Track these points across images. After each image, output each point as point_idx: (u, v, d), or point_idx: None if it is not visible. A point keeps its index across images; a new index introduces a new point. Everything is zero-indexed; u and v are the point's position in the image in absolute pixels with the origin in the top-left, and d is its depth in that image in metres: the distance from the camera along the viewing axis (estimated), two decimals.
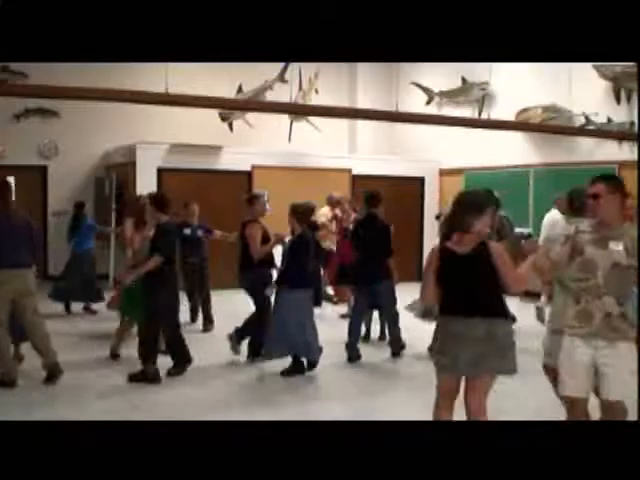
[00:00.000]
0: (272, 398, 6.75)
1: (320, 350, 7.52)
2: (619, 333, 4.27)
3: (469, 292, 4.38)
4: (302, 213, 7.50)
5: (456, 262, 4.37)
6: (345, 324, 8.82)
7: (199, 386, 7.09)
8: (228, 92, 12.36)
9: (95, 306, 10.63)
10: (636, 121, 11.69)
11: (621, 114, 11.94)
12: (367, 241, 8.31)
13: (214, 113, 13.51)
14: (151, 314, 7.13)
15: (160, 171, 12.94)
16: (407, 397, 6.67)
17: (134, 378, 7.01)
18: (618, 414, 4.32)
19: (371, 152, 16.15)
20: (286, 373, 7.39)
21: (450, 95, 15.20)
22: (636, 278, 4.25)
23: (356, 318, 8.42)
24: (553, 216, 8.77)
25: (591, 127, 12.21)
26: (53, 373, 6.88)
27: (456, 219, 4.39)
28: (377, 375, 7.71)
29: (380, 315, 9.02)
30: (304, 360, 7.48)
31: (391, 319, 8.45)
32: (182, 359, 7.39)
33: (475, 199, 4.46)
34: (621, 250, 4.26)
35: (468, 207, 4.36)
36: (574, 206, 5.92)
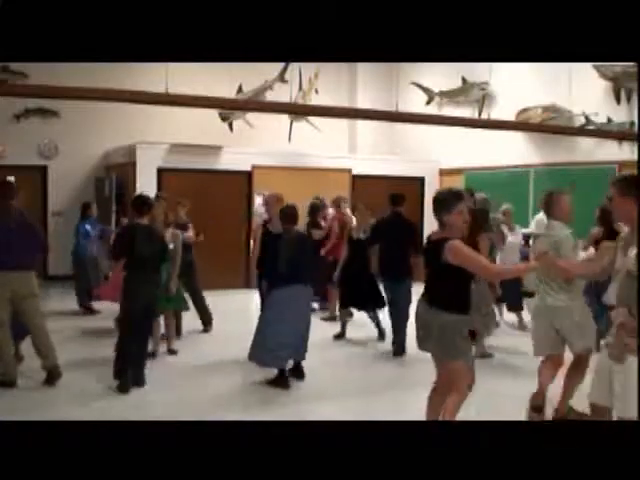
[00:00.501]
0: (272, 398, 6.76)
1: (292, 353, 7.19)
2: (628, 346, 4.02)
3: (426, 277, 5.02)
4: (286, 214, 7.32)
5: (425, 249, 5.04)
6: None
7: (199, 386, 7.09)
8: (228, 92, 12.36)
9: (97, 305, 10.63)
10: (636, 121, 11.70)
11: (621, 114, 11.95)
12: (393, 239, 8.36)
13: (214, 113, 13.52)
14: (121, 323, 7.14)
15: (160, 171, 12.95)
16: (408, 397, 6.67)
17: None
18: None
19: (371, 152, 16.15)
20: (271, 382, 7.14)
21: (450, 95, 15.20)
22: None
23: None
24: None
25: (591, 127, 12.21)
26: (52, 375, 6.87)
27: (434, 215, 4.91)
28: (377, 375, 7.70)
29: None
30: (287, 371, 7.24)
31: (402, 319, 8.40)
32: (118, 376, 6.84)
33: (443, 197, 4.91)
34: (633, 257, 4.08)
35: (438, 204, 4.87)
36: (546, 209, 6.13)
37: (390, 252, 8.34)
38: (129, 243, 6.84)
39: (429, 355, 4.99)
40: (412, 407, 5.49)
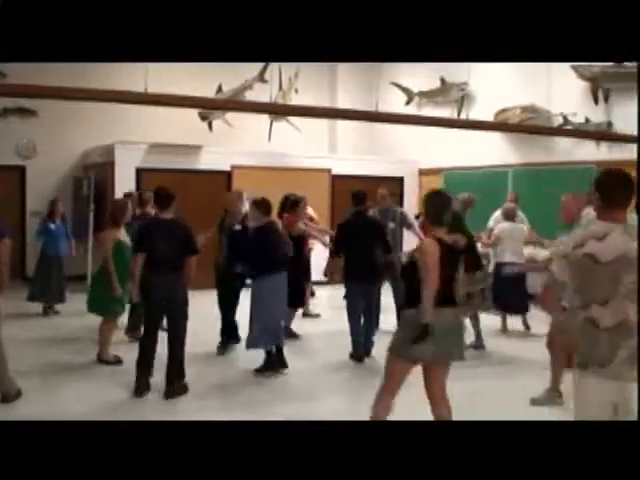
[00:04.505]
0: (254, 397, 6.77)
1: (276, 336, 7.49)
2: None
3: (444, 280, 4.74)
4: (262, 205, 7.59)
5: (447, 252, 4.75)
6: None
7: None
8: (207, 92, 12.32)
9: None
10: (613, 121, 11.81)
11: (599, 114, 12.04)
12: (361, 239, 8.14)
13: (193, 112, 13.46)
14: None
15: (139, 171, 12.88)
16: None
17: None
18: None
19: (351, 152, 16.17)
20: (261, 370, 7.47)
21: (429, 95, 15.26)
22: None
23: (354, 317, 8.24)
24: None
25: (569, 127, 12.30)
26: (5, 399, 6.41)
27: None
28: (358, 374, 7.70)
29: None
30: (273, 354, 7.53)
31: (375, 319, 8.56)
32: None
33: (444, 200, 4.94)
34: None
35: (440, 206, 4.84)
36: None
37: (362, 253, 8.07)
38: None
39: None
40: (397, 406, 5.47)
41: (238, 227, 8.20)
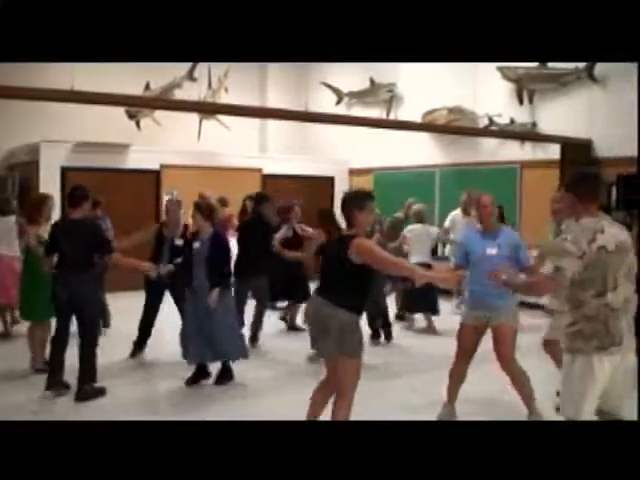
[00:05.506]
0: (202, 398, 6.71)
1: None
2: None
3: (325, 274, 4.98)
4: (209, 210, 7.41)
5: (327, 245, 5.11)
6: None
7: (124, 387, 6.96)
8: (134, 89, 12.15)
9: None
10: (537, 121, 12.09)
11: (524, 115, 12.31)
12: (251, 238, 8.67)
13: (120, 110, 13.24)
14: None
15: (65, 170, 12.59)
16: None
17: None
18: None
19: (282, 151, 16.15)
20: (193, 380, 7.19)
21: (359, 96, 15.38)
22: None
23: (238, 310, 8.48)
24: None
25: (494, 128, 12.55)
26: None
27: (343, 213, 4.92)
28: (302, 372, 7.69)
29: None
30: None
31: (259, 315, 8.87)
32: None
33: (356, 195, 5.00)
34: None
35: (350, 202, 4.90)
36: None
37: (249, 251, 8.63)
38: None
39: None
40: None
41: (179, 242, 7.99)
